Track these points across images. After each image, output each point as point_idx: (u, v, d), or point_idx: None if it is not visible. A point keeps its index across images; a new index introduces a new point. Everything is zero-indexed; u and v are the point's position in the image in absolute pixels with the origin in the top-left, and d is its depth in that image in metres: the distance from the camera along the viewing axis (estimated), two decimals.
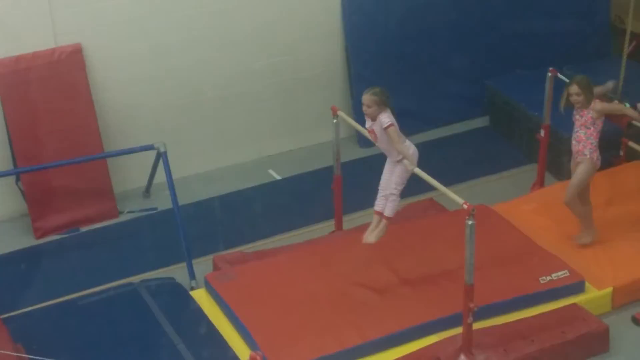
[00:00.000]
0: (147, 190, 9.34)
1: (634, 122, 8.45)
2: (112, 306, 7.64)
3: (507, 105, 10.12)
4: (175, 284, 7.87)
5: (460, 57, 10.47)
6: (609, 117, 8.37)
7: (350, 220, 8.55)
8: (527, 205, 8.42)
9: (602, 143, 7.90)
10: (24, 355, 6.79)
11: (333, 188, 8.13)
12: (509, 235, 7.99)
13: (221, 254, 8.15)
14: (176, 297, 7.66)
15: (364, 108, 7.07)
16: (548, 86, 8.47)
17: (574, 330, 6.96)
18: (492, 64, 10.57)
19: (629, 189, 8.65)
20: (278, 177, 9.71)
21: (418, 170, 7.07)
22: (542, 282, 7.37)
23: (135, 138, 9.04)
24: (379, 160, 7.43)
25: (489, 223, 7.95)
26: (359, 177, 9.33)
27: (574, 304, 7.23)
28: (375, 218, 7.36)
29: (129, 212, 9.15)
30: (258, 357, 5.68)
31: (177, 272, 8.08)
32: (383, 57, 10.07)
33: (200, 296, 7.61)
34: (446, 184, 6.99)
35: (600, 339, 7.03)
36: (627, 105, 8.34)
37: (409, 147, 7.11)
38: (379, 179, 9.25)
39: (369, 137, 7.39)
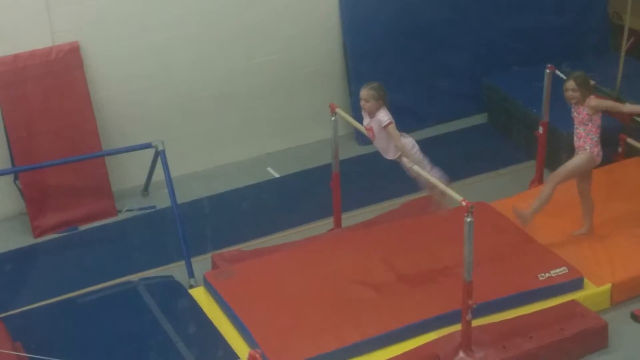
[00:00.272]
0: (146, 189, 9.33)
1: (637, 118, 8.44)
2: (110, 305, 7.63)
3: (505, 102, 10.11)
4: (174, 282, 7.86)
5: (458, 54, 10.47)
6: (609, 113, 8.38)
7: (349, 218, 8.55)
8: (526, 202, 8.40)
9: (601, 139, 7.90)
10: (22, 354, 6.79)
11: (331, 186, 8.13)
12: (507, 232, 7.99)
13: (220, 252, 8.14)
14: (175, 296, 7.65)
15: (362, 103, 7.09)
16: (546, 83, 8.47)
17: (573, 327, 6.96)
18: (490, 61, 10.56)
19: (627, 185, 8.66)
20: (277, 175, 9.71)
21: (417, 168, 7.07)
22: (540, 279, 7.37)
23: (134, 136, 9.04)
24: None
25: (487, 220, 7.95)
26: (358, 174, 9.34)
27: (573, 301, 7.24)
28: (435, 193, 7.33)
29: (127, 210, 9.15)
30: (257, 355, 5.68)
31: (175, 270, 8.08)
32: (381, 54, 10.07)
33: (199, 294, 7.61)
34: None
35: (599, 336, 7.03)
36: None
37: (409, 144, 7.11)
38: (378, 176, 9.31)
39: (367, 135, 7.39)
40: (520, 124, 9.85)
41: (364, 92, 7.05)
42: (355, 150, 9.92)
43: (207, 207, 9.14)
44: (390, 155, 7.20)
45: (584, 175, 7.81)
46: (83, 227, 8.92)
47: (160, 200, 9.05)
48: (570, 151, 7.88)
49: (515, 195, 8.66)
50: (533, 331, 6.93)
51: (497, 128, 10.29)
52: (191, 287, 7.83)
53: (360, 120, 7.58)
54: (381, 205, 8.94)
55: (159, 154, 8.36)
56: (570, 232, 7.99)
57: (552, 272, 7.41)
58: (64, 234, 8.84)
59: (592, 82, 7.69)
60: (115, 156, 9.07)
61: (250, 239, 8.54)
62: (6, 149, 8.79)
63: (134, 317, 7.40)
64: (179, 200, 8.28)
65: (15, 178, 8.93)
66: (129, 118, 9.27)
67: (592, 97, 7.58)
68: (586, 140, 7.62)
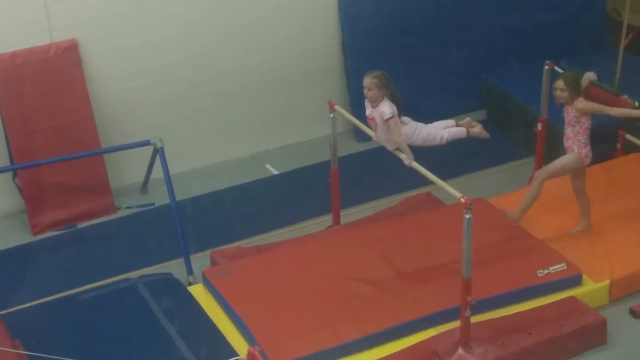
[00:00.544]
0: (144, 186, 9.33)
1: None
2: (109, 302, 7.63)
3: (503, 98, 10.11)
4: (173, 280, 7.86)
5: (457, 50, 10.47)
6: None
7: (348, 215, 8.55)
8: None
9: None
10: (22, 351, 6.79)
11: (330, 182, 8.13)
12: (506, 229, 7.98)
13: (219, 249, 8.14)
14: (174, 293, 7.65)
15: (365, 91, 7.11)
16: (545, 79, 8.46)
17: (572, 323, 6.96)
18: (488, 58, 10.56)
19: (626, 181, 8.66)
20: (275, 172, 9.71)
21: (415, 164, 7.07)
22: (539, 275, 7.37)
23: (132, 134, 9.04)
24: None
25: (486, 216, 7.95)
26: (356, 171, 9.35)
27: (572, 297, 7.24)
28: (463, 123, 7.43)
29: (126, 207, 9.15)
30: (256, 352, 5.68)
31: (174, 267, 8.08)
32: (379, 51, 10.05)
33: (198, 291, 7.61)
34: (443, 177, 6.99)
35: (598, 332, 7.03)
36: (637, 104, 8.33)
37: (410, 130, 7.11)
38: (376, 173, 9.31)
39: (367, 132, 7.38)
40: (519, 121, 9.84)
41: (367, 81, 7.07)
42: (354, 147, 9.92)
43: (206, 205, 9.14)
44: (390, 146, 7.21)
45: (576, 173, 7.79)
46: (82, 225, 8.92)
47: (159, 197, 9.05)
48: None
49: (514, 191, 8.66)
50: (532, 327, 6.93)
51: (496, 124, 10.28)
52: (190, 284, 7.83)
53: (359, 117, 7.60)
54: (380, 202, 8.94)
55: (158, 152, 8.35)
56: (568, 228, 7.98)
57: (550, 268, 7.41)
58: (63, 231, 8.84)
59: (593, 78, 7.60)
60: (113, 154, 9.07)
61: (249, 236, 8.54)
62: (5, 147, 8.79)
63: (133, 314, 7.40)
64: (178, 198, 8.28)
65: (14, 176, 8.92)
66: (127, 115, 9.27)
67: (581, 99, 7.52)
68: (574, 142, 7.60)
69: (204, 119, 9.69)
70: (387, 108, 7.02)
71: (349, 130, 9.99)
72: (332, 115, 7.84)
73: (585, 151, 7.62)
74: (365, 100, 7.23)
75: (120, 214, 9.07)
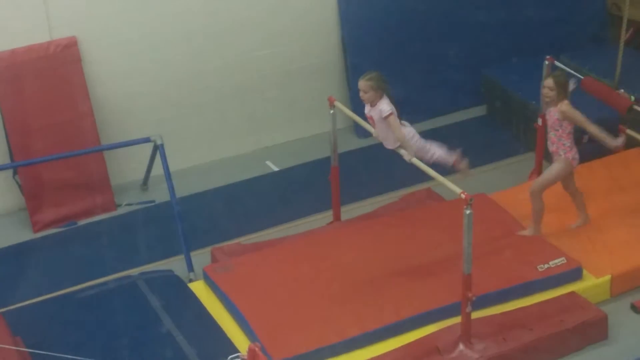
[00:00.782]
0: (145, 183, 9.33)
1: (635, 107, 8.42)
2: (110, 299, 7.63)
3: (504, 94, 10.10)
4: (174, 277, 7.86)
5: (457, 46, 10.46)
6: (608, 103, 8.37)
7: (348, 211, 8.55)
8: (525, 194, 8.39)
9: (574, 143, 7.83)
10: (23, 348, 6.78)
11: (330, 179, 8.12)
12: (506, 224, 7.99)
13: (219, 245, 8.14)
14: (174, 290, 7.65)
15: (361, 94, 7.08)
16: (545, 74, 8.44)
17: (573, 319, 6.97)
18: (488, 53, 10.55)
19: (627, 177, 8.65)
20: (275, 169, 9.71)
21: (415, 160, 7.07)
22: (540, 270, 7.37)
23: (132, 130, 9.04)
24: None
25: (486, 211, 7.95)
26: (357, 167, 9.34)
27: (573, 293, 7.24)
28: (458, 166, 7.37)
29: (126, 205, 9.14)
30: (257, 349, 5.68)
31: (175, 264, 8.08)
32: (379, 47, 10.05)
33: (199, 288, 7.61)
34: (444, 173, 6.99)
35: (599, 327, 7.03)
36: (634, 98, 8.30)
37: (408, 133, 7.09)
38: (377, 169, 9.30)
39: (367, 128, 7.37)
40: (519, 116, 9.83)
41: (362, 83, 7.03)
42: (354, 143, 9.91)
43: (207, 201, 9.14)
44: (390, 144, 7.19)
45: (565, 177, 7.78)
46: (82, 222, 8.92)
47: (160, 194, 9.05)
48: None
49: (514, 187, 8.66)
50: (533, 323, 6.93)
51: (496, 120, 10.28)
52: (191, 281, 7.83)
53: (360, 114, 7.58)
54: (380, 198, 8.94)
55: (158, 148, 8.35)
56: (568, 224, 7.98)
57: (550, 263, 7.42)
58: (64, 228, 8.84)
59: (572, 87, 7.59)
60: (114, 151, 9.06)
61: (250, 232, 8.54)
62: (5, 145, 8.79)
63: (134, 311, 7.40)
64: (178, 195, 8.28)
65: (15, 173, 8.92)
66: (127, 112, 9.27)
67: (566, 102, 7.49)
68: (559, 146, 7.57)
69: (204, 116, 9.68)
70: (385, 106, 7.01)
71: (349, 126, 9.98)
72: (332, 111, 7.84)
73: (572, 154, 7.60)
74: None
75: (120, 211, 9.07)
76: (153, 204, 9.14)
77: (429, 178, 7.13)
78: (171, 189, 8.13)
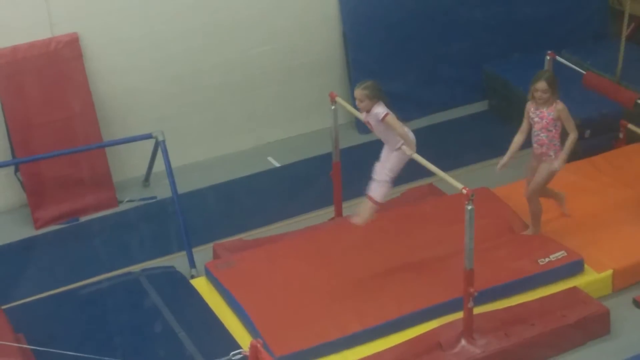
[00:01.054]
0: (147, 179, 9.33)
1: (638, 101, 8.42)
2: (112, 295, 7.63)
3: (505, 89, 10.09)
4: (176, 273, 7.87)
5: (458, 41, 10.45)
6: (612, 97, 8.35)
7: (350, 207, 8.52)
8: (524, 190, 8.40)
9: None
10: (25, 345, 6.79)
11: (332, 175, 8.12)
12: (507, 219, 7.98)
13: (221, 241, 8.14)
14: (176, 286, 7.66)
15: (357, 102, 7.05)
16: (544, 70, 8.43)
17: (575, 314, 6.96)
18: (490, 48, 10.54)
19: (628, 171, 8.64)
20: (277, 165, 9.71)
21: (417, 156, 7.06)
22: (540, 263, 7.37)
23: (134, 127, 9.04)
24: (378, 147, 7.42)
25: (488, 206, 7.95)
26: (358, 163, 9.26)
27: (574, 287, 7.23)
28: (366, 202, 7.32)
29: (128, 201, 9.15)
30: (259, 345, 5.68)
31: (177, 260, 8.08)
32: (381, 43, 10.05)
33: (201, 284, 7.62)
34: (445, 169, 6.98)
35: (601, 322, 7.03)
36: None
37: (408, 132, 7.10)
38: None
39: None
40: (521, 111, 9.75)
41: (358, 92, 6.98)
42: (355, 138, 9.91)
43: (208, 197, 9.14)
44: (391, 146, 7.18)
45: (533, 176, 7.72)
46: (84, 218, 8.92)
47: (161, 190, 9.05)
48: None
49: (515, 181, 8.65)
50: (535, 318, 6.93)
51: (498, 115, 10.27)
52: (192, 277, 7.83)
53: None
54: None
55: (160, 145, 8.36)
56: (569, 219, 7.98)
57: (551, 256, 7.41)
58: (65, 225, 8.84)
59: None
60: (115, 147, 9.07)
61: (251, 228, 8.54)
62: (6, 141, 8.79)
63: (136, 308, 7.41)
64: (180, 191, 8.28)
65: (16, 170, 8.93)
66: (129, 109, 9.27)
67: (559, 101, 7.46)
68: (550, 147, 7.52)
69: (206, 112, 9.68)
70: (380, 108, 6.96)
71: (350, 122, 9.98)
72: (333, 107, 7.83)
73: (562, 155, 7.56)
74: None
75: (122, 207, 9.07)
76: (155, 200, 9.14)
77: (430, 173, 7.12)
78: (173, 185, 8.13)
